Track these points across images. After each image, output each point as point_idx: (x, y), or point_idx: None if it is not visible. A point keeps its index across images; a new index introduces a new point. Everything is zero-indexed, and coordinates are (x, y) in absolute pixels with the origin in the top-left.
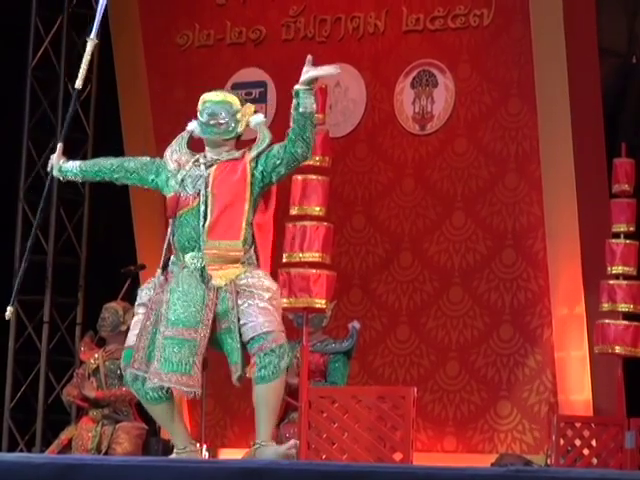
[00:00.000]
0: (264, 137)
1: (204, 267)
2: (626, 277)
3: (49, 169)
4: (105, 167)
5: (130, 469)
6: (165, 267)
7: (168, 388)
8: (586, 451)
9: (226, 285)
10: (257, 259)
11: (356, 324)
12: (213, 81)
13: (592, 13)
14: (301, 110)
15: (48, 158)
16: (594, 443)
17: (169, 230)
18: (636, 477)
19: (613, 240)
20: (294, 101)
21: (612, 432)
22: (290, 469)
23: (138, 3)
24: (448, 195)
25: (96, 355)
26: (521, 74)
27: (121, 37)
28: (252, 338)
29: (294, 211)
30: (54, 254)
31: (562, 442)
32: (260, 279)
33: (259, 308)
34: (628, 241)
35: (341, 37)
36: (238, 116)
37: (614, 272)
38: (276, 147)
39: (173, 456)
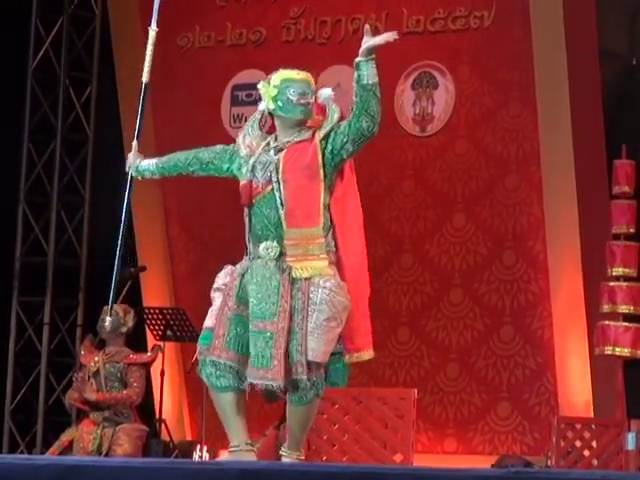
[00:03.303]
0: (332, 113)
1: (279, 257)
2: (626, 278)
3: (127, 169)
4: (180, 162)
5: (130, 470)
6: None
7: (239, 379)
8: (586, 452)
9: (304, 279)
10: (335, 245)
11: None
12: (213, 82)
13: (592, 15)
14: (363, 82)
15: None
16: (594, 444)
17: (245, 219)
18: (636, 479)
19: (613, 242)
20: (355, 74)
21: (612, 433)
22: (291, 470)
23: (139, 5)
24: (448, 196)
25: (96, 358)
26: (521, 76)
27: (122, 38)
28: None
29: None
30: (54, 256)
31: (562, 443)
32: (332, 297)
33: (311, 330)
34: (628, 242)
35: (341, 39)
36: (314, 95)
37: (614, 274)
38: (344, 124)
39: (225, 453)
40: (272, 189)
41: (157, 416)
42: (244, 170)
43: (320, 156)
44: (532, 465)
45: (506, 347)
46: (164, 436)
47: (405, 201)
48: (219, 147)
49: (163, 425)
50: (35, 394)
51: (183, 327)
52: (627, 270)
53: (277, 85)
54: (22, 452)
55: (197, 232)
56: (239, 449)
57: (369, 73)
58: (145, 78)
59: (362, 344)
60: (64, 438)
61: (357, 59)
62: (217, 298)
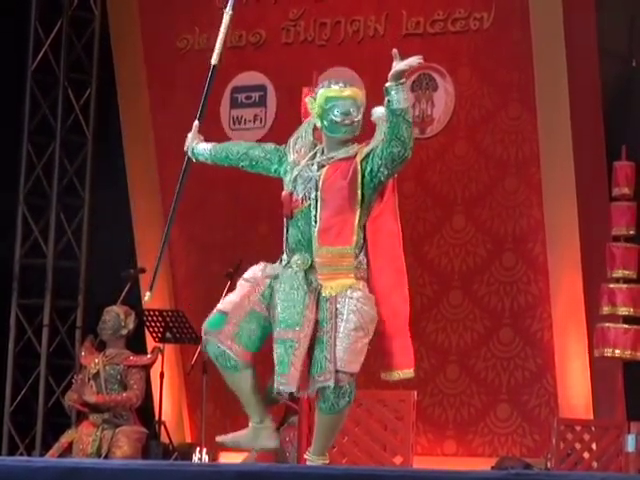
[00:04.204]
0: (378, 134)
1: (308, 269)
2: (626, 280)
3: (185, 148)
4: (232, 154)
5: (130, 472)
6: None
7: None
8: (586, 454)
9: (332, 296)
10: (367, 263)
11: None
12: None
13: (592, 16)
14: (392, 107)
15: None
16: (594, 446)
17: (284, 229)
18: None
19: (613, 243)
20: (385, 99)
21: (612, 435)
22: (289, 473)
23: (138, 7)
24: (448, 198)
25: (96, 360)
26: (521, 77)
27: (121, 40)
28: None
29: None
30: (54, 257)
31: (562, 445)
32: (359, 307)
33: (339, 340)
34: (628, 244)
35: (341, 40)
36: (362, 108)
37: (614, 275)
38: (380, 146)
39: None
40: (309, 206)
41: (157, 418)
42: (287, 179)
43: (359, 176)
44: (532, 467)
45: (506, 349)
46: (163, 438)
47: (405, 203)
48: (271, 147)
49: (162, 427)
50: (35, 396)
51: (183, 329)
52: (627, 272)
53: (322, 104)
54: (21, 454)
55: (197, 234)
56: (263, 426)
57: (398, 98)
58: (214, 60)
59: (398, 363)
60: (63, 440)
61: (386, 84)
62: (242, 288)
